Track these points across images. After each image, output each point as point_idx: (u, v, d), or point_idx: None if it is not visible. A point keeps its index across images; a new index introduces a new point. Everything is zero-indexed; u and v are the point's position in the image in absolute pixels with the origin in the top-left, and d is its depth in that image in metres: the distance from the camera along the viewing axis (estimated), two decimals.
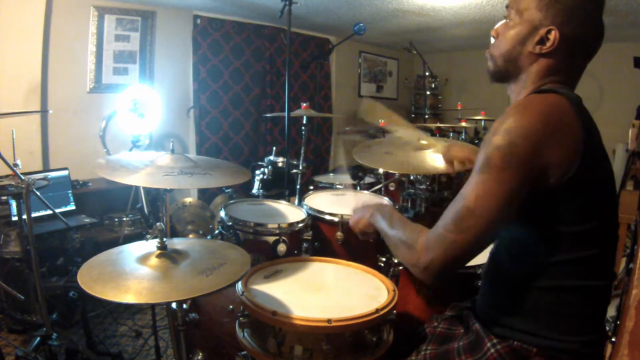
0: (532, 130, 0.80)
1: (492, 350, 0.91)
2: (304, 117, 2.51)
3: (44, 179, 2.04)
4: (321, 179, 3.15)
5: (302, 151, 2.47)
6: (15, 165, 1.83)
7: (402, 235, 0.98)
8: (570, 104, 0.85)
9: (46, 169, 3.09)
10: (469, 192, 0.85)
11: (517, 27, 0.94)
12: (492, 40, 1.03)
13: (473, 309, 1.08)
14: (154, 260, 1.09)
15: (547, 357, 0.88)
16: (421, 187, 2.39)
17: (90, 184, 3.13)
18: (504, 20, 1.00)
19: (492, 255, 1.05)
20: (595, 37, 0.92)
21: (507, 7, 0.99)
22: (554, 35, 0.89)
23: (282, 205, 1.94)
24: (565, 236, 0.85)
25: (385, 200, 2.02)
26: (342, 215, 1.74)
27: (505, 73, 1.00)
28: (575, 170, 0.81)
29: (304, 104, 2.58)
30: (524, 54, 0.94)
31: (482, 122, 3.90)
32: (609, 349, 0.93)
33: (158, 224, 1.14)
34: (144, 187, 2.21)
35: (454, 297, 1.38)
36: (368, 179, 2.73)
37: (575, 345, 0.88)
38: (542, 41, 0.91)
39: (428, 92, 5.52)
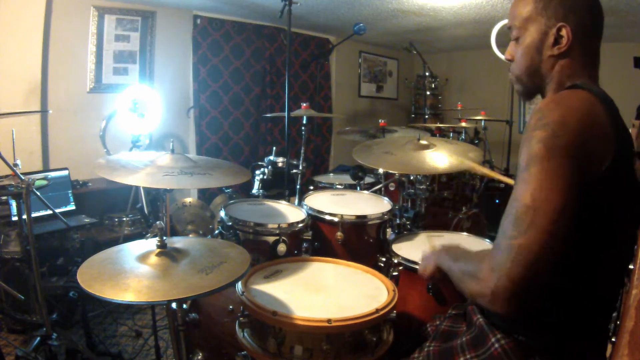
0: (569, 122, 0.79)
1: (497, 345, 0.91)
2: (304, 117, 2.51)
3: (44, 179, 2.04)
4: (321, 179, 3.15)
5: (302, 151, 2.47)
6: (15, 165, 1.83)
7: (465, 265, 0.89)
8: (598, 99, 0.85)
9: (46, 169, 3.09)
10: (521, 191, 0.79)
11: (528, 39, 0.95)
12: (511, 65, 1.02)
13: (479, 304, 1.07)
14: (153, 259, 1.09)
15: (551, 355, 0.88)
16: (421, 187, 2.38)
17: (90, 184, 3.13)
18: (512, 42, 1.01)
19: None
20: (597, 14, 0.93)
21: (509, 28, 1.00)
22: (565, 31, 0.90)
23: (282, 205, 1.94)
24: (585, 236, 0.82)
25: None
26: (342, 215, 1.74)
27: (534, 87, 1.00)
28: (610, 162, 0.80)
29: (304, 104, 2.58)
30: (544, 61, 0.95)
31: (482, 122, 3.89)
32: (609, 349, 0.93)
33: (158, 222, 1.14)
34: (144, 187, 2.21)
35: (454, 296, 1.38)
36: (368, 179, 2.73)
37: (580, 346, 0.88)
38: (557, 41, 0.92)
39: (428, 92, 5.52)
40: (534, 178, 0.78)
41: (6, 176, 1.93)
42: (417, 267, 1.47)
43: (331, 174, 3.62)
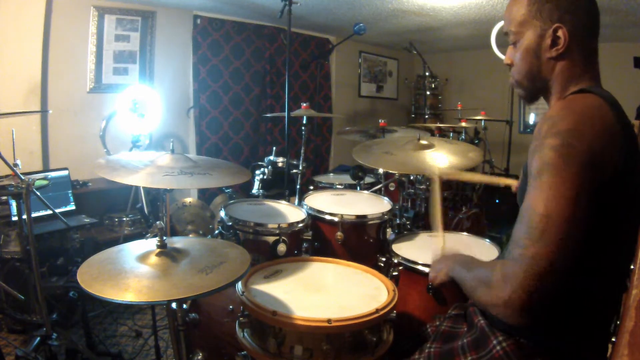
0: (582, 131, 0.79)
1: (498, 348, 0.91)
2: (304, 117, 2.51)
3: (44, 179, 2.04)
4: (321, 179, 3.15)
5: (302, 151, 2.47)
6: (15, 165, 1.83)
7: (478, 274, 0.87)
8: (607, 103, 0.85)
9: (46, 169, 3.08)
10: (534, 200, 0.78)
11: (525, 43, 0.95)
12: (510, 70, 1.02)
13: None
14: (153, 259, 1.09)
15: (552, 356, 0.88)
16: (421, 187, 2.39)
17: (90, 184, 3.13)
18: (510, 46, 1.00)
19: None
20: (593, 13, 0.93)
21: (505, 33, 1.00)
22: (562, 32, 0.90)
23: (282, 205, 1.94)
24: (588, 237, 0.81)
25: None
26: (342, 215, 1.74)
27: (536, 90, 0.99)
28: (618, 167, 0.79)
29: (304, 104, 2.58)
30: (544, 63, 0.94)
31: (482, 122, 3.89)
32: (609, 349, 0.93)
33: (158, 222, 1.14)
34: (144, 187, 2.21)
35: (454, 297, 1.38)
36: (368, 179, 2.73)
37: (581, 347, 0.88)
38: (554, 43, 0.91)
39: (428, 92, 5.52)
40: (547, 187, 0.77)
41: (6, 176, 1.94)
42: (417, 267, 1.48)
43: (331, 174, 3.62)
